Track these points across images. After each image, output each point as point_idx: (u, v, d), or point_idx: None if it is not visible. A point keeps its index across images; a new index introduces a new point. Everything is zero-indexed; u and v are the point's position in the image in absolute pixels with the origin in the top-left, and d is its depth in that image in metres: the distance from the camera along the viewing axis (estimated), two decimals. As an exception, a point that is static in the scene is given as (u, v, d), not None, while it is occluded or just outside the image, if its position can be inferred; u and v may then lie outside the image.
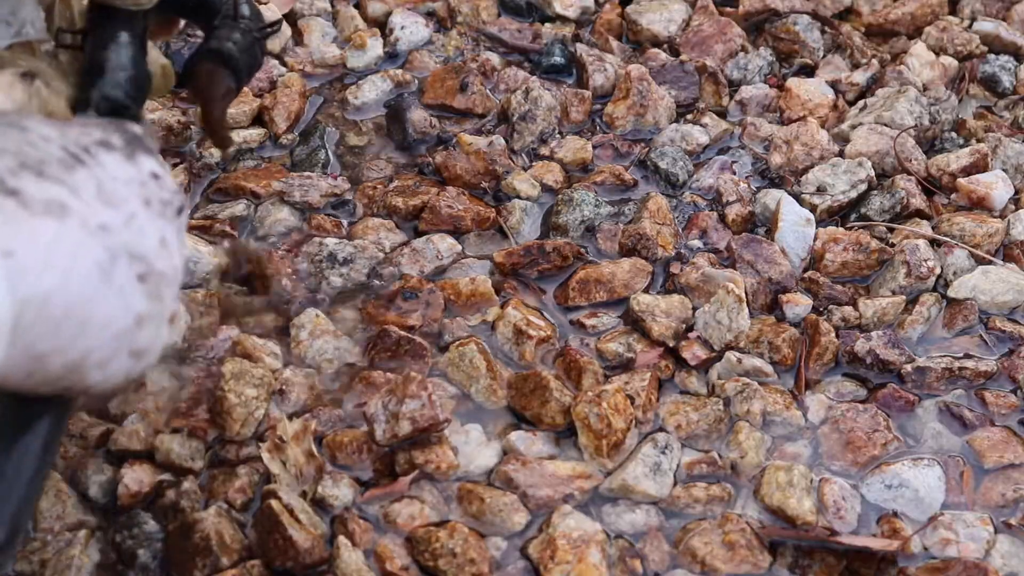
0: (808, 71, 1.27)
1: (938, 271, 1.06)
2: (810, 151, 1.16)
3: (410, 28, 1.29)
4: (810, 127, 1.17)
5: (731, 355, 1.00)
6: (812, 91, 1.23)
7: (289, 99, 1.21)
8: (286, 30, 1.28)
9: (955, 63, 1.26)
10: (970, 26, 1.30)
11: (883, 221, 1.11)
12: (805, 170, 1.14)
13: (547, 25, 1.31)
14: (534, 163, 1.16)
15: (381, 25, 1.30)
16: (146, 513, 0.90)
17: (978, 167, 1.15)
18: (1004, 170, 1.15)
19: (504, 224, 1.11)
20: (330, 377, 0.99)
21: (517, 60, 1.27)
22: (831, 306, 1.04)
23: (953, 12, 1.33)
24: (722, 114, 1.22)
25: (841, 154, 1.16)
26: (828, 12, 1.31)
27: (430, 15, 1.31)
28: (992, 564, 0.88)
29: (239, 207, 1.11)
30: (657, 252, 1.07)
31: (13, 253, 0.60)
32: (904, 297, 1.05)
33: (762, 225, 1.11)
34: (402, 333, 1.00)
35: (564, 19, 1.31)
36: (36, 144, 0.65)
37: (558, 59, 1.26)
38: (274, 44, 1.26)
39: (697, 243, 1.09)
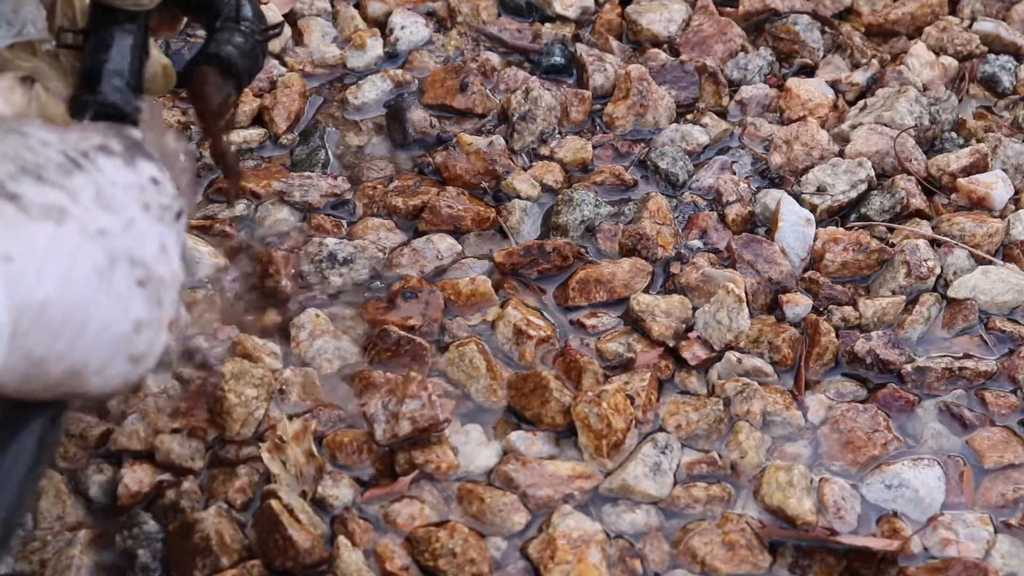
0: (808, 71, 1.27)
1: (938, 271, 1.06)
2: (810, 151, 1.16)
3: (410, 28, 1.29)
4: (810, 127, 1.17)
5: (731, 355, 1.00)
6: (812, 91, 1.23)
7: (289, 99, 1.21)
8: (287, 30, 1.28)
9: (955, 63, 1.26)
10: (970, 26, 1.30)
11: (883, 221, 1.11)
12: (805, 170, 1.14)
13: (547, 25, 1.31)
14: (534, 163, 1.16)
15: (381, 25, 1.30)
16: (146, 513, 0.90)
17: (978, 167, 1.15)
18: (1004, 170, 1.15)
19: (504, 224, 1.11)
20: (330, 377, 0.99)
21: (517, 60, 1.27)
22: (831, 306, 1.04)
23: (953, 12, 1.33)
24: (722, 114, 1.22)
25: (841, 154, 1.16)
26: (828, 12, 1.31)
27: (430, 15, 1.31)
28: (992, 564, 0.88)
29: (239, 207, 1.11)
30: (657, 252, 1.07)
31: (12, 258, 0.60)
32: (904, 297, 1.05)
33: (762, 225, 1.11)
34: (402, 333, 1.00)
35: (564, 19, 1.31)
36: (35, 149, 0.65)
37: (558, 59, 1.26)
38: (274, 44, 1.26)
39: (697, 243, 1.09)
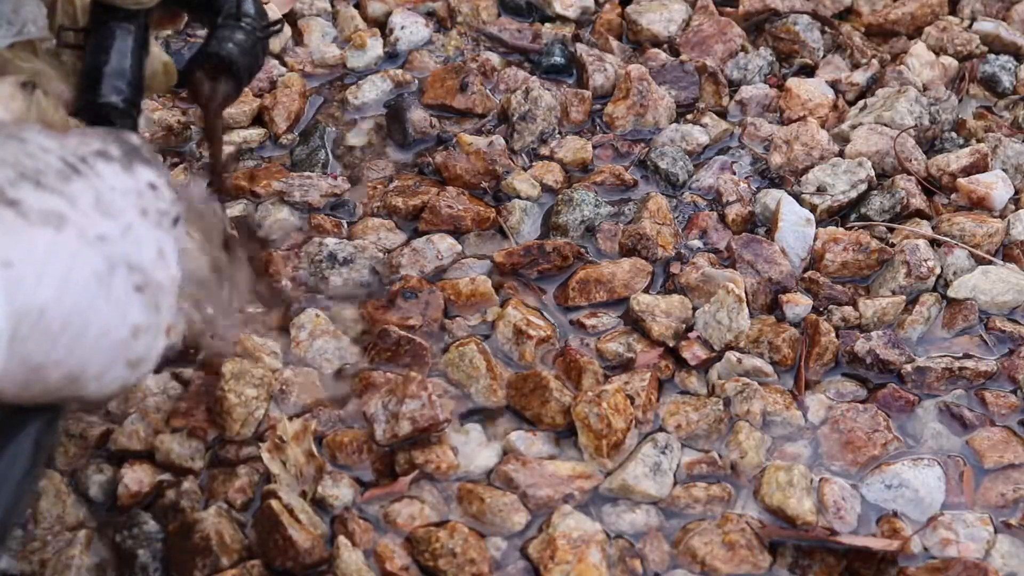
0: (808, 71, 1.27)
1: (938, 271, 1.06)
2: (810, 151, 1.16)
3: (410, 28, 1.29)
4: (810, 127, 1.17)
5: (731, 355, 1.00)
6: (812, 91, 1.23)
7: (289, 99, 1.21)
8: (287, 30, 1.28)
9: (955, 63, 1.26)
10: (970, 26, 1.30)
11: (883, 221, 1.11)
12: (805, 170, 1.14)
13: (547, 25, 1.31)
14: (534, 163, 1.16)
15: (381, 25, 1.30)
16: (146, 513, 0.90)
17: (978, 167, 1.15)
18: (1004, 170, 1.15)
19: (504, 224, 1.11)
20: (330, 377, 0.99)
21: (517, 60, 1.28)
22: (831, 306, 1.04)
23: (953, 12, 1.33)
24: (722, 114, 1.22)
25: (841, 154, 1.16)
26: (828, 12, 1.31)
27: (430, 15, 1.31)
28: (992, 564, 0.88)
29: (239, 207, 1.11)
30: (657, 252, 1.07)
31: (11, 264, 0.59)
32: (904, 297, 1.05)
33: (762, 225, 1.11)
34: (402, 333, 1.00)
35: (564, 19, 1.31)
36: (34, 155, 0.65)
37: (558, 59, 1.26)
38: (274, 44, 1.26)
39: (697, 243, 1.09)
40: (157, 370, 0.75)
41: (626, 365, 1.00)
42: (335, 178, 1.14)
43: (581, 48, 1.26)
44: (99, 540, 0.89)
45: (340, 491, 0.91)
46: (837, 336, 1.02)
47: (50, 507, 0.90)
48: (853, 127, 1.18)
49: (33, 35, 0.78)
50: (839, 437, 0.96)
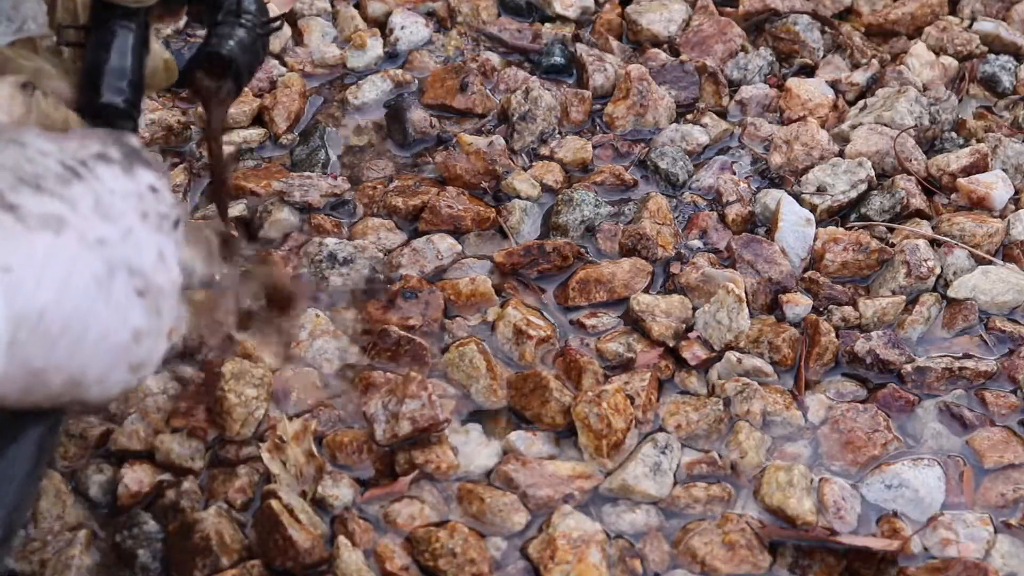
0: (808, 71, 1.27)
1: (938, 271, 1.06)
2: (810, 151, 1.16)
3: (410, 28, 1.29)
4: (810, 127, 1.17)
5: (731, 355, 1.00)
6: (812, 91, 1.23)
7: (289, 99, 1.21)
8: (286, 30, 1.28)
9: (955, 63, 1.26)
10: (970, 26, 1.30)
11: (883, 221, 1.11)
12: (805, 170, 1.14)
13: (547, 25, 1.31)
14: (534, 163, 1.16)
15: (381, 25, 1.30)
16: (146, 513, 0.90)
17: (978, 167, 1.15)
18: (1004, 170, 1.15)
19: (504, 224, 1.11)
20: (330, 377, 0.99)
21: (517, 60, 1.28)
22: (831, 306, 1.04)
23: (953, 12, 1.33)
24: (722, 114, 1.22)
25: (841, 154, 1.16)
26: (828, 12, 1.31)
27: (430, 15, 1.31)
28: (992, 564, 0.88)
29: (239, 207, 1.11)
30: (657, 252, 1.07)
31: (11, 268, 0.59)
32: (904, 297, 1.05)
33: (762, 225, 1.11)
34: (402, 333, 1.00)
35: (564, 19, 1.31)
36: (34, 159, 0.64)
37: (558, 59, 1.26)
38: (274, 44, 1.26)
39: (697, 243, 1.09)
40: (157, 370, 0.75)
41: (626, 365, 1.00)
42: (335, 178, 1.14)
43: (581, 48, 1.26)
44: (99, 540, 0.89)
45: (340, 491, 0.91)
46: (837, 336, 1.02)
47: (50, 507, 0.90)
48: (853, 127, 1.18)
49: (33, 33, 0.78)
50: (839, 437, 0.96)
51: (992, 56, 1.26)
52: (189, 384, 0.97)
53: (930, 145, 1.19)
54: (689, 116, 1.21)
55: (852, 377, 1.01)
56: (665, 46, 1.28)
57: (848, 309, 1.04)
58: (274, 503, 0.88)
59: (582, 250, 1.08)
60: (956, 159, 1.15)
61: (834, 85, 1.24)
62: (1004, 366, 1.01)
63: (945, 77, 1.25)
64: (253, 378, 0.95)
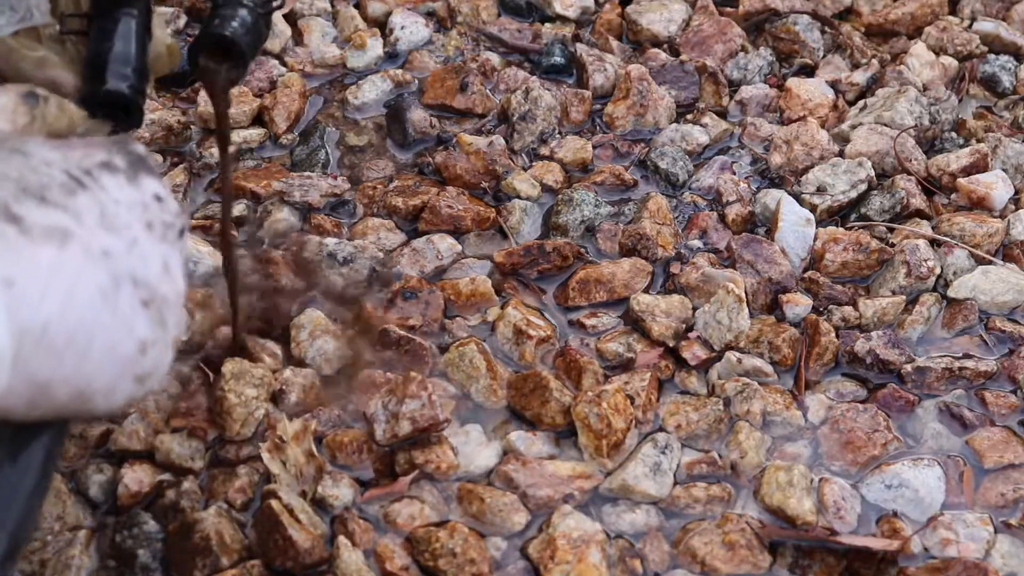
0: (808, 71, 1.27)
1: (938, 271, 1.06)
2: (810, 151, 1.16)
3: (410, 28, 1.29)
4: (810, 127, 1.17)
5: (731, 355, 1.00)
6: (812, 91, 1.23)
7: (289, 99, 1.21)
8: (286, 30, 1.28)
9: (955, 63, 1.26)
10: (970, 26, 1.30)
11: (883, 221, 1.11)
12: (805, 170, 1.14)
13: (547, 25, 1.31)
14: (534, 163, 1.16)
15: (381, 25, 1.30)
16: (146, 513, 0.90)
17: (978, 167, 1.15)
18: (1004, 170, 1.15)
19: (504, 224, 1.11)
20: (330, 377, 0.99)
21: (517, 60, 1.27)
22: (831, 306, 1.04)
23: (953, 12, 1.33)
24: (722, 114, 1.22)
25: (841, 154, 1.16)
26: (828, 12, 1.31)
27: (430, 15, 1.31)
28: (992, 564, 0.88)
29: (239, 207, 1.11)
30: (657, 252, 1.07)
31: (14, 282, 0.59)
32: (904, 297, 1.05)
33: (762, 225, 1.11)
34: (402, 333, 1.00)
35: (564, 19, 1.31)
36: (38, 169, 0.64)
37: (558, 59, 1.26)
38: (274, 44, 1.26)
39: (697, 243, 1.09)
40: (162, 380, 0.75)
41: (626, 365, 1.00)
42: (335, 178, 1.14)
43: (581, 48, 1.26)
44: (99, 540, 0.89)
45: (340, 491, 0.91)
46: (837, 336, 1.02)
47: (50, 507, 0.90)
48: (853, 127, 1.18)
49: (37, 22, 0.78)
50: (839, 437, 0.96)
51: (992, 56, 1.26)
52: (189, 384, 0.97)
53: (930, 145, 1.19)
54: (689, 116, 1.21)
55: (852, 377, 1.01)
56: (665, 46, 1.28)
57: (848, 309, 1.04)
58: (274, 503, 0.88)
59: (582, 250, 1.08)
60: (956, 159, 1.15)
61: (834, 85, 1.24)
62: (1004, 366, 1.01)
63: (945, 77, 1.25)
64: (253, 378, 0.95)
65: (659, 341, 1.01)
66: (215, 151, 1.16)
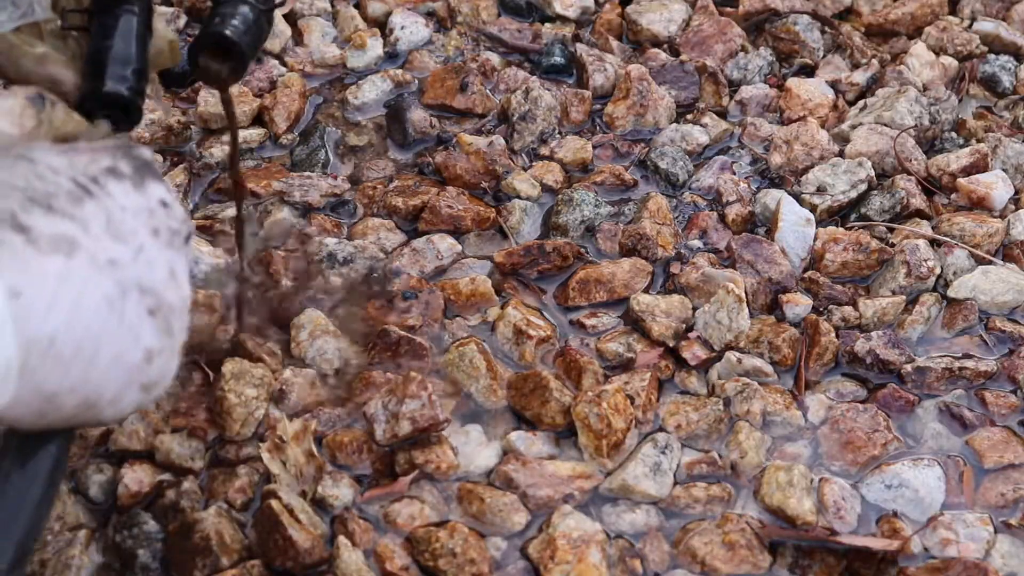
0: (808, 71, 1.27)
1: (938, 271, 1.06)
2: (810, 151, 1.16)
3: (410, 28, 1.29)
4: (810, 127, 1.17)
5: (731, 355, 1.00)
6: (812, 91, 1.23)
7: (289, 99, 1.21)
8: (286, 30, 1.28)
9: (955, 63, 1.26)
10: (970, 26, 1.30)
11: (883, 221, 1.11)
12: (805, 170, 1.14)
13: (547, 25, 1.31)
14: (534, 163, 1.16)
15: (381, 25, 1.30)
16: (146, 513, 0.90)
17: (978, 167, 1.15)
18: (1004, 170, 1.15)
19: (504, 224, 1.11)
20: (330, 377, 0.99)
21: (517, 60, 1.28)
22: (831, 306, 1.04)
23: (953, 12, 1.33)
24: (722, 114, 1.22)
25: (841, 154, 1.16)
26: (828, 12, 1.31)
27: (430, 15, 1.31)
28: (992, 564, 0.88)
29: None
30: (657, 252, 1.07)
31: (21, 294, 0.59)
32: (904, 297, 1.05)
33: (762, 225, 1.11)
34: (402, 333, 1.00)
35: (564, 19, 1.31)
36: (45, 177, 0.64)
37: (558, 59, 1.26)
38: (274, 44, 1.26)
39: (697, 243, 1.09)
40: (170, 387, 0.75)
41: (626, 365, 1.00)
42: (335, 178, 1.14)
43: (581, 48, 1.26)
44: (99, 540, 0.89)
45: (340, 491, 0.91)
46: (837, 336, 1.02)
47: (50, 507, 0.90)
48: (853, 127, 1.18)
49: (39, 17, 0.78)
50: (839, 437, 0.96)
51: (992, 56, 1.26)
52: (189, 384, 0.97)
53: (930, 145, 1.19)
54: (689, 116, 1.21)
55: (852, 377, 1.01)
56: (665, 46, 1.28)
57: (848, 309, 1.04)
58: (274, 503, 0.88)
59: (582, 250, 1.08)
60: (956, 159, 1.15)
61: (834, 85, 1.24)
62: (1004, 366, 1.01)
63: (945, 77, 1.25)
64: (253, 378, 0.95)
65: (659, 341, 1.01)
66: (215, 151, 1.16)
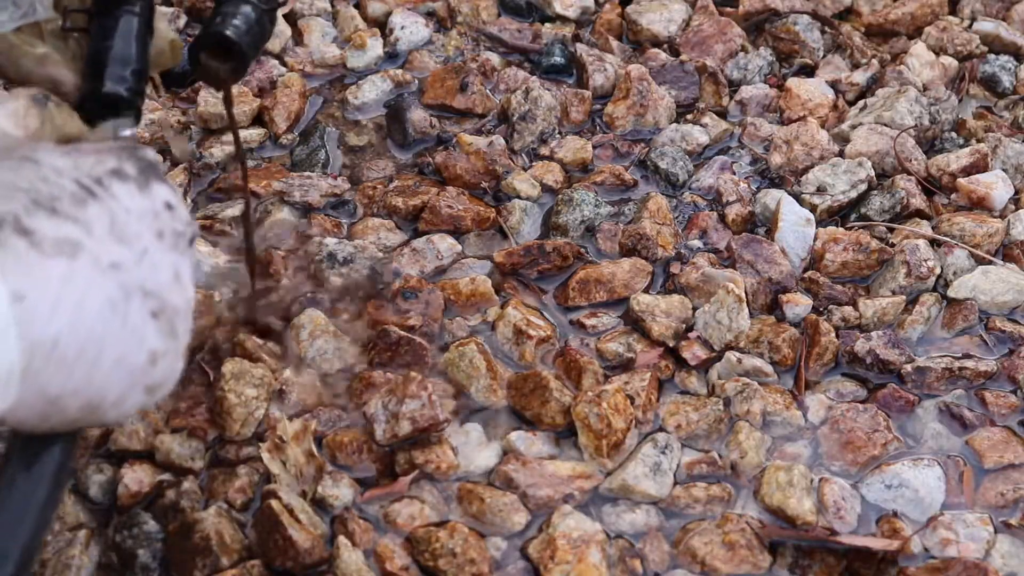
0: (808, 71, 1.27)
1: (938, 271, 1.06)
2: (810, 151, 1.16)
3: (410, 28, 1.29)
4: (810, 127, 1.17)
5: (731, 355, 1.00)
6: (812, 91, 1.23)
7: (289, 99, 1.21)
8: (286, 30, 1.28)
9: (955, 63, 1.26)
10: (970, 26, 1.30)
11: (883, 221, 1.11)
12: (805, 170, 1.14)
13: (547, 25, 1.31)
14: (534, 163, 1.16)
15: (381, 25, 1.30)
16: (146, 513, 0.90)
17: (978, 167, 1.15)
18: (1004, 170, 1.15)
19: (504, 224, 1.11)
20: (330, 377, 0.99)
21: (517, 60, 1.28)
22: (831, 306, 1.04)
23: (953, 12, 1.33)
24: (722, 114, 1.22)
25: (841, 154, 1.16)
26: (828, 12, 1.31)
27: (430, 15, 1.31)
28: (992, 564, 0.88)
29: (239, 207, 1.11)
30: (657, 252, 1.07)
31: (24, 297, 0.59)
32: (904, 297, 1.05)
33: (762, 225, 1.11)
34: (402, 333, 1.00)
35: (564, 19, 1.31)
36: (49, 179, 0.64)
37: (558, 59, 1.26)
38: (274, 44, 1.26)
39: (697, 243, 1.09)
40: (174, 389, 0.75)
41: (626, 365, 1.00)
42: (335, 178, 1.14)
43: (581, 48, 1.26)
44: (99, 540, 0.89)
45: (340, 491, 0.91)
46: (837, 336, 1.02)
47: (50, 507, 0.90)
48: (853, 127, 1.18)
49: (40, 17, 0.78)
50: (839, 437, 0.96)
51: (992, 56, 1.26)
52: (189, 384, 0.97)
53: (930, 145, 1.19)
54: (689, 116, 1.21)
55: (852, 377, 1.01)
56: (665, 46, 1.28)
57: (848, 309, 1.04)
58: (274, 503, 0.88)
59: (582, 250, 1.08)
60: (956, 159, 1.15)
61: (834, 85, 1.24)
62: (1004, 366, 1.01)
63: (945, 77, 1.25)
64: (253, 378, 0.95)
65: (659, 341, 1.01)
66: (215, 151, 1.16)
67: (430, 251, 1.08)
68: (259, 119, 1.20)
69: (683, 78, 1.24)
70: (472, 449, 0.94)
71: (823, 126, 1.19)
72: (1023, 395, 0.99)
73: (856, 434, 0.96)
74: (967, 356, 1.01)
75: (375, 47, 1.27)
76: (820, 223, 1.10)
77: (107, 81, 0.78)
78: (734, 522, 0.90)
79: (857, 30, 1.30)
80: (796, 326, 1.03)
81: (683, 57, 1.26)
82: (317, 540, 0.87)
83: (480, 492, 0.91)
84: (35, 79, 0.77)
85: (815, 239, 1.08)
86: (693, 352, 1.01)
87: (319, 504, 0.91)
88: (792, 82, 1.23)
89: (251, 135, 1.18)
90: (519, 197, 1.13)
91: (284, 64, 1.26)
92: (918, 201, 1.12)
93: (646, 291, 1.05)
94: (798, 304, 1.04)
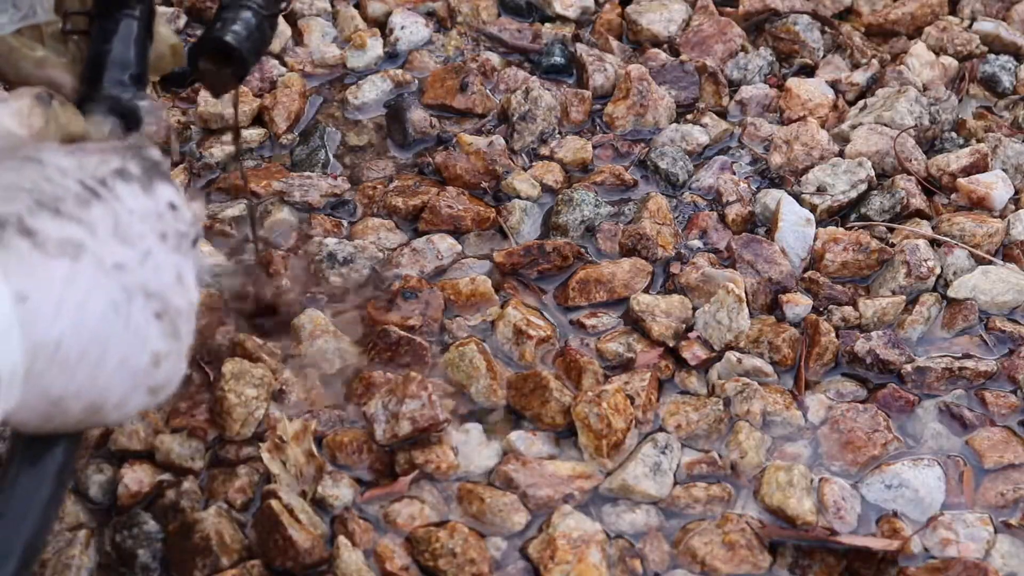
0: (808, 71, 1.27)
1: (938, 271, 1.06)
2: (810, 151, 1.16)
3: (410, 28, 1.29)
4: (810, 127, 1.17)
5: (731, 355, 1.00)
6: (812, 91, 1.23)
7: (289, 99, 1.21)
8: (286, 30, 1.28)
9: (955, 63, 1.26)
10: (970, 26, 1.30)
11: (883, 221, 1.11)
12: (805, 170, 1.14)
13: (547, 25, 1.31)
14: (534, 163, 1.16)
15: (381, 25, 1.30)
16: (146, 513, 0.90)
17: (978, 167, 1.15)
18: (1004, 170, 1.15)
19: (504, 224, 1.11)
20: (330, 377, 0.99)
21: (517, 60, 1.28)
22: (831, 306, 1.04)
23: (953, 12, 1.33)
24: (722, 114, 1.22)
25: (841, 154, 1.16)
26: (828, 12, 1.31)
27: (430, 15, 1.31)
28: (992, 564, 0.88)
29: (239, 207, 1.11)
30: (657, 252, 1.07)
31: (27, 298, 0.59)
32: (904, 297, 1.05)
33: (762, 225, 1.11)
34: (402, 333, 1.00)
35: (564, 19, 1.31)
36: (53, 179, 0.64)
37: (558, 59, 1.26)
38: (274, 44, 1.26)
39: (697, 243, 1.09)
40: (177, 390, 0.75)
41: (626, 365, 1.00)
42: (335, 178, 1.14)
43: (581, 48, 1.26)
44: (99, 540, 0.89)
45: (340, 491, 0.91)
46: (837, 336, 1.02)
47: (50, 507, 0.90)
48: (853, 127, 1.18)
49: (40, 19, 0.77)
50: (839, 437, 0.96)
51: (992, 56, 1.26)
52: (189, 384, 0.97)
53: (930, 145, 1.19)
54: (689, 116, 1.21)
55: (852, 377, 1.01)
56: (665, 46, 1.28)
57: (848, 309, 1.04)
58: (274, 503, 0.88)
59: (582, 250, 1.08)
60: (956, 159, 1.15)
61: (834, 85, 1.24)
62: (1004, 366, 1.01)
63: (945, 77, 1.25)
64: (253, 378, 0.95)
65: (659, 341, 1.01)
66: (215, 151, 1.16)
67: (430, 251, 1.08)
68: (259, 119, 1.20)
69: (683, 78, 1.24)
70: (472, 449, 0.94)
71: (823, 126, 1.19)
72: (1023, 395, 0.99)
73: (856, 434, 0.96)
74: (967, 356, 1.01)
75: (375, 47, 1.27)
76: (820, 223, 1.10)
77: (106, 86, 0.78)
78: (734, 522, 0.90)
79: (857, 30, 1.30)
80: (796, 326, 1.03)
81: (683, 57, 1.26)
82: (317, 540, 0.87)
83: (480, 492, 0.91)
84: (34, 82, 0.77)
85: (815, 239, 1.08)
86: (693, 352, 1.01)
87: (319, 504, 0.91)
88: (792, 82, 1.23)
89: (251, 135, 1.18)
90: (519, 197, 1.13)
91: (284, 64, 1.26)
92: (918, 201, 1.12)
93: (646, 291, 1.05)
94: (798, 304, 1.04)
